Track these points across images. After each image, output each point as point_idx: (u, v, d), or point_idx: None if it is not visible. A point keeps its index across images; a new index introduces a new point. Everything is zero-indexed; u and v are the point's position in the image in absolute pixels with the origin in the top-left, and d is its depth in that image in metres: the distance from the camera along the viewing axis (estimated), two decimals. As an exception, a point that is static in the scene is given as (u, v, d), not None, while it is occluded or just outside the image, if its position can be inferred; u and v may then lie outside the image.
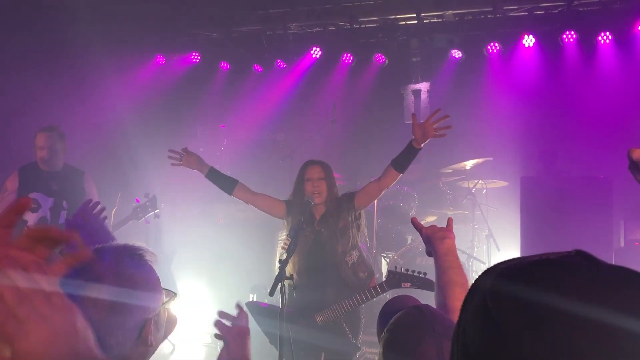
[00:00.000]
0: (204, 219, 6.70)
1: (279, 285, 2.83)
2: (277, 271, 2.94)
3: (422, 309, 1.20)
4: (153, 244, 5.94)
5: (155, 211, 3.79)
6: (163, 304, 1.25)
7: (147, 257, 1.24)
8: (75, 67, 6.47)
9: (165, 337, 1.29)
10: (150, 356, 1.24)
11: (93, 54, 6.45)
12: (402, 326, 1.16)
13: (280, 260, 3.12)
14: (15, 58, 6.11)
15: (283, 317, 2.81)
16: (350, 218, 3.33)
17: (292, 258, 3.17)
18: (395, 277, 3.01)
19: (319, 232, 3.33)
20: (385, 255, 5.94)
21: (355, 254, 3.34)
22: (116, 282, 1.14)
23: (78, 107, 6.69)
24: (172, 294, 1.29)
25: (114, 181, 6.50)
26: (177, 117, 7.32)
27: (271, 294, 3.08)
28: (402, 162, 3.32)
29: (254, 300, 4.92)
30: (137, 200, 3.81)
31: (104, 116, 6.76)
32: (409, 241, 5.73)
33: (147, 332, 1.17)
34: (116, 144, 6.71)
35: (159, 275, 1.27)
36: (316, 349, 3.15)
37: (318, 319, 3.14)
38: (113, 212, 5.96)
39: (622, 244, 5.34)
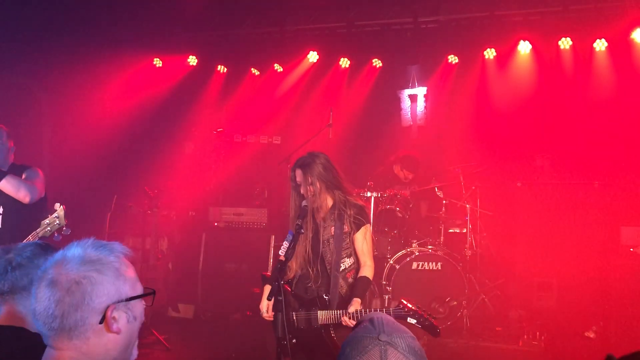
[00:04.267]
0: (199, 223, 6.67)
1: (277, 286, 2.87)
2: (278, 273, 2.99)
3: (373, 320, 1.23)
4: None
5: (64, 225, 3.39)
6: (134, 297, 1.30)
7: (118, 250, 1.32)
8: (71, 67, 6.43)
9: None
10: (126, 345, 1.30)
11: (90, 55, 6.44)
12: (353, 338, 1.22)
13: (279, 263, 3.12)
14: (10, 56, 6.06)
15: (282, 310, 2.93)
16: (349, 229, 3.27)
17: (289, 262, 3.16)
18: (405, 310, 2.97)
19: (316, 236, 3.29)
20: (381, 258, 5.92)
21: (349, 260, 3.31)
22: (77, 264, 1.23)
23: (74, 109, 6.66)
24: (150, 290, 1.36)
25: (109, 184, 6.49)
26: (173, 120, 7.29)
27: (269, 298, 3.07)
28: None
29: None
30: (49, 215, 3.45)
31: (100, 118, 6.73)
32: (406, 246, 5.72)
33: (109, 318, 1.23)
34: (112, 147, 6.68)
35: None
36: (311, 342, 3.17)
37: (319, 318, 3.12)
38: (108, 217, 5.96)
39: (617, 251, 5.33)
